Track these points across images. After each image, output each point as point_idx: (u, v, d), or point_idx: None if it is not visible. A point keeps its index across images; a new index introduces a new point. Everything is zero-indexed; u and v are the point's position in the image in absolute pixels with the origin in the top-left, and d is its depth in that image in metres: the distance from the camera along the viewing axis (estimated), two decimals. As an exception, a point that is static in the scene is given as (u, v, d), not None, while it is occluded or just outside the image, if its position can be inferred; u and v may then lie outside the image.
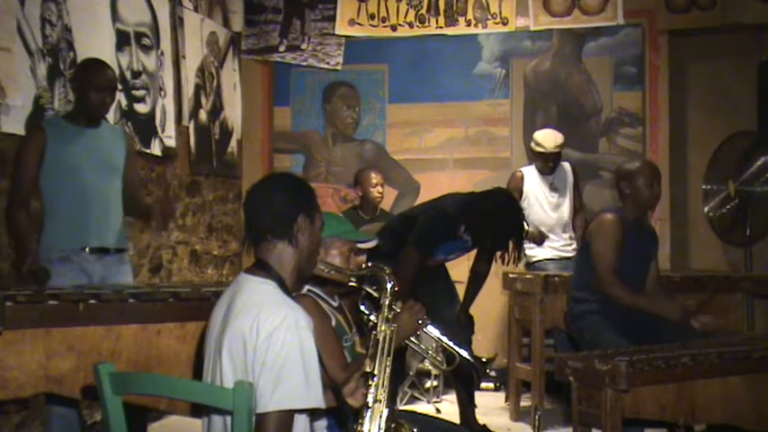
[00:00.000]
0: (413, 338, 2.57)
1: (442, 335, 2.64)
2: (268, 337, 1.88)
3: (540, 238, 4.92)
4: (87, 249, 3.47)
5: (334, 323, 2.52)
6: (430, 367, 5.20)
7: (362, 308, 2.52)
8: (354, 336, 2.60)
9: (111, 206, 3.58)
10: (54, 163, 3.40)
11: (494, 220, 3.89)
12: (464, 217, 3.93)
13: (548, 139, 5.04)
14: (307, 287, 2.52)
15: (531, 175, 5.08)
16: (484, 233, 3.94)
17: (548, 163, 5.03)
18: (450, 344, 2.61)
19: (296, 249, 2.09)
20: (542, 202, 5.05)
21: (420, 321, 2.51)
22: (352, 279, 2.47)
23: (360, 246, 2.62)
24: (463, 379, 4.26)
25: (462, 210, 3.95)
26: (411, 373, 5.08)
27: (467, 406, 4.28)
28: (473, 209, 3.93)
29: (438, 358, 2.82)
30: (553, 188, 5.06)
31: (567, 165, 5.18)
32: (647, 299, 3.65)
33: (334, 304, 2.60)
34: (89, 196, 3.47)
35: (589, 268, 3.69)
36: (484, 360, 2.61)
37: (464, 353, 2.59)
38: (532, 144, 5.09)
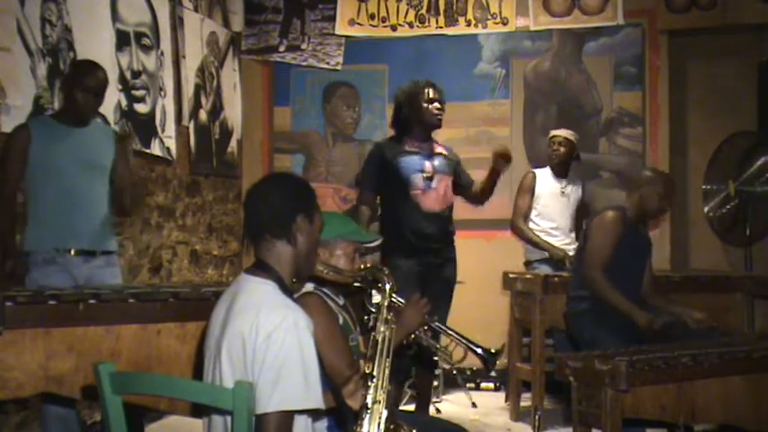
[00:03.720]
0: (420, 332, 2.59)
1: (450, 328, 2.66)
2: (267, 338, 1.88)
3: (562, 261, 4.86)
4: (73, 252, 3.42)
5: (341, 321, 2.52)
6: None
7: (369, 306, 2.52)
8: (359, 335, 2.61)
9: (97, 207, 3.53)
10: (39, 162, 3.36)
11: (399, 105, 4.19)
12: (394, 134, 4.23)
13: (561, 129, 5.16)
14: (313, 285, 2.52)
15: (542, 175, 5.07)
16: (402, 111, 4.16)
17: (558, 148, 5.01)
18: (459, 337, 2.63)
19: (295, 249, 2.09)
20: (554, 203, 5.02)
21: (426, 316, 2.52)
22: (353, 280, 2.48)
23: (365, 245, 2.63)
24: (426, 365, 4.27)
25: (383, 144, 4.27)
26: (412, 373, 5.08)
27: (427, 393, 4.31)
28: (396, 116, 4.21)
29: (447, 351, 2.84)
30: (564, 194, 5.04)
31: (579, 182, 5.18)
32: (621, 297, 3.61)
33: (340, 303, 2.60)
34: (74, 197, 3.42)
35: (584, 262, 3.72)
36: (493, 351, 2.64)
37: (473, 345, 2.61)
38: (549, 141, 5.11)
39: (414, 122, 4.15)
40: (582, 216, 5.10)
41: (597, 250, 3.67)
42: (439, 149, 4.25)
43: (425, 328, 2.64)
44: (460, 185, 4.31)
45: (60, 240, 3.40)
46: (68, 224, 3.41)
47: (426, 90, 4.14)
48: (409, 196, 4.07)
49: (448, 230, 4.20)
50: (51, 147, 3.39)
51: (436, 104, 4.12)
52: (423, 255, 4.06)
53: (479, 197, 4.35)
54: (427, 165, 4.11)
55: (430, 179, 4.10)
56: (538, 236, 4.94)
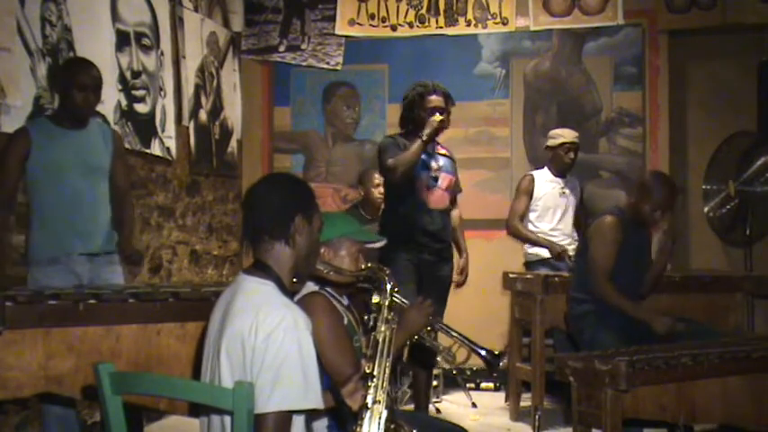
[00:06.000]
0: (423, 334, 2.59)
1: (453, 330, 2.66)
2: (266, 338, 1.88)
3: (560, 256, 4.84)
4: (76, 253, 3.43)
5: (345, 322, 2.52)
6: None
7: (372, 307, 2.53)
8: (362, 336, 2.61)
9: (98, 209, 3.53)
10: (39, 165, 3.36)
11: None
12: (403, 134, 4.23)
13: (566, 131, 5.08)
14: (318, 286, 2.52)
15: (541, 177, 5.05)
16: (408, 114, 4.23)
17: (568, 154, 4.97)
18: (464, 339, 2.63)
19: (293, 250, 2.08)
20: (554, 204, 5.01)
21: (430, 318, 2.52)
22: (354, 279, 2.48)
23: (368, 246, 2.62)
24: (423, 365, 4.28)
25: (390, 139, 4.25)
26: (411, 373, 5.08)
27: (424, 392, 4.31)
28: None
29: (451, 353, 2.83)
30: (563, 194, 5.03)
31: (577, 181, 5.17)
32: (637, 306, 3.65)
33: (345, 303, 2.60)
34: (75, 200, 3.42)
35: (587, 269, 3.70)
36: (497, 354, 2.65)
37: (477, 347, 2.61)
38: (550, 141, 5.03)
39: (418, 126, 4.16)
40: (581, 216, 5.09)
41: (601, 260, 3.64)
42: (442, 150, 4.35)
43: (429, 329, 2.64)
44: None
45: (63, 243, 3.41)
46: (71, 227, 3.42)
47: (428, 98, 4.17)
48: (417, 193, 4.15)
49: (449, 228, 4.30)
50: (51, 151, 3.38)
51: (437, 115, 4.10)
52: (423, 251, 4.13)
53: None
54: (433, 164, 4.23)
55: (436, 178, 4.22)
56: (534, 233, 4.93)
